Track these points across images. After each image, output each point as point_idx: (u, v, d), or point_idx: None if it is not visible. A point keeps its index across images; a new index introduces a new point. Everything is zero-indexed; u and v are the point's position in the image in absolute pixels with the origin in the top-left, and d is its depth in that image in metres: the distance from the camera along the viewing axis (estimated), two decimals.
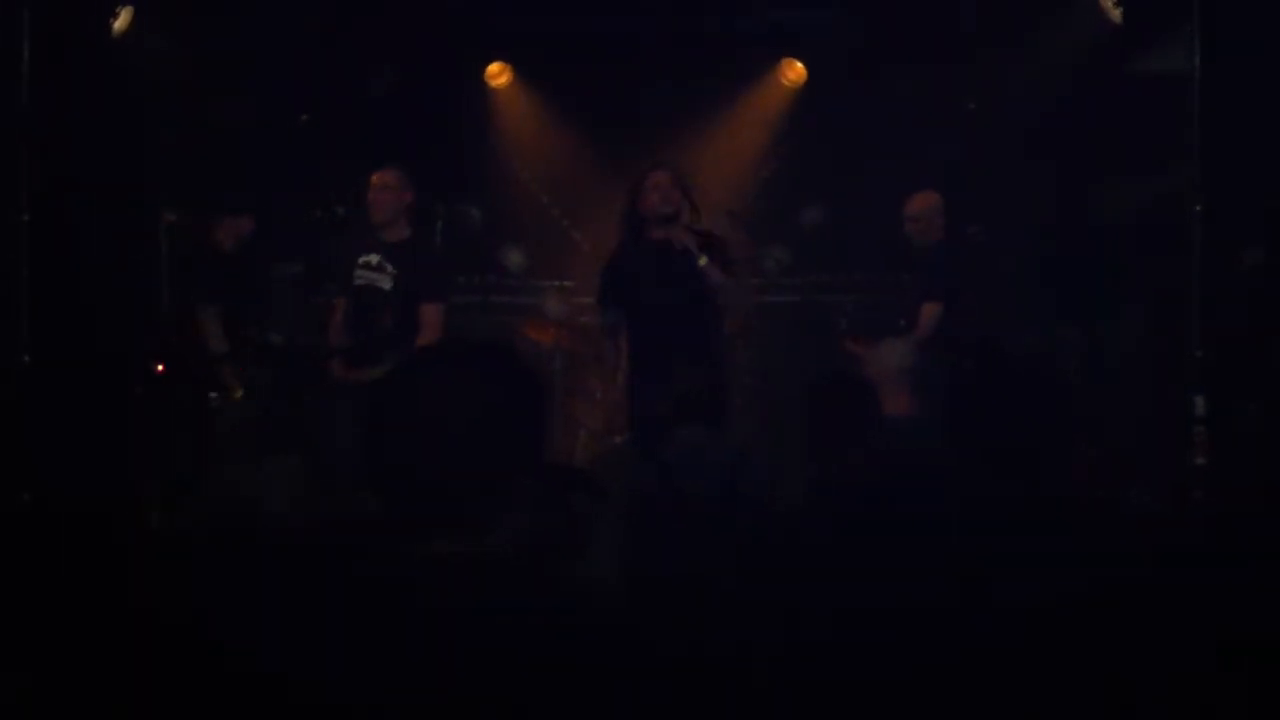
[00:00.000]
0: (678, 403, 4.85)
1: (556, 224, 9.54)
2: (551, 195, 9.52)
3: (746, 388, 8.00)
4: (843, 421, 4.33)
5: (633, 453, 6.31)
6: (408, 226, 6.91)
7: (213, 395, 6.95)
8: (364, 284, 6.81)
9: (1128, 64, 7.58)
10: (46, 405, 6.21)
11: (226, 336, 7.13)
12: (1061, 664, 2.52)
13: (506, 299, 9.31)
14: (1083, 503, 3.08)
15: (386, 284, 6.82)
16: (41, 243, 6.26)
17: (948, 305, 6.91)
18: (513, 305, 9.26)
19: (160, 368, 7.55)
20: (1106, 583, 2.70)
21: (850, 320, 7.83)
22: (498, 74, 9.26)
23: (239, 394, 6.91)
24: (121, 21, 7.40)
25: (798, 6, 8.77)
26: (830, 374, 5.38)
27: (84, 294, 6.83)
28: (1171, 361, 6.44)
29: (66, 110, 6.75)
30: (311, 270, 7.12)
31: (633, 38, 8.84)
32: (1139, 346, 7.14)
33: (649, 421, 5.99)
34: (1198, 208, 6.10)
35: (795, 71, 9.24)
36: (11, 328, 6.14)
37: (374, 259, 6.83)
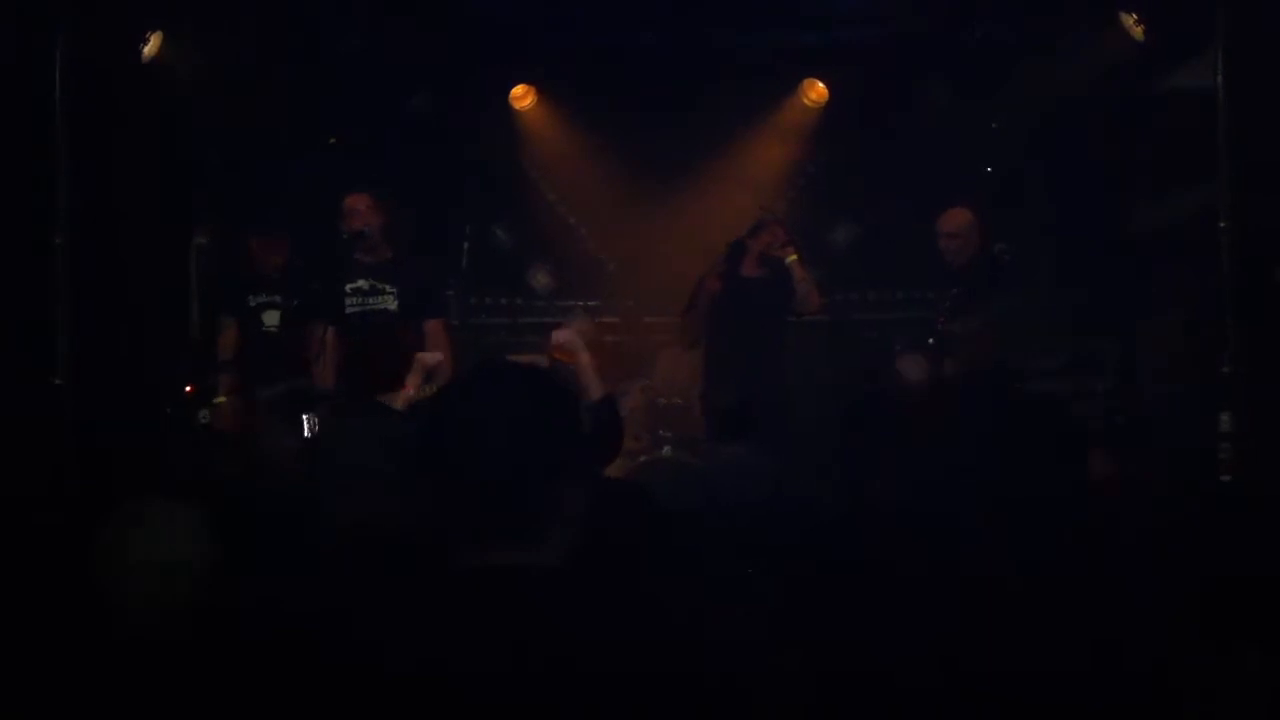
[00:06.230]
0: (723, 418, 4.92)
1: (583, 244, 9.58)
2: (578, 216, 9.55)
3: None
4: (877, 440, 4.31)
5: (667, 467, 6.49)
6: (389, 246, 6.89)
7: (202, 412, 7.15)
8: (360, 310, 6.75)
9: (1155, 81, 7.55)
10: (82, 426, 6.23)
11: (236, 346, 7.32)
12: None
13: (533, 320, 9.33)
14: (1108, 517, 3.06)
15: (391, 304, 6.77)
16: (77, 265, 6.29)
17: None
18: (540, 326, 9.27)
19: (190, 389, 7.59)
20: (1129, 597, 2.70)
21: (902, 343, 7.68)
22: (523, 96, 9.29)
23: (221, 400, 7.18)
24: (152, 47, 7.45)
25: (826, 25, 8.79)
26: (864, 392, 5.36)
27: (118, 315, 6.85)
28: (1203, 377, 6.41)
29: (100, 136, 6.79)
30: (306, 301, 7.01)
31: (657, 59, 8.87)
32: (1171, 360, 7.09)
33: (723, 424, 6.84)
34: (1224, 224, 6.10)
35: (817, 91, 9.27)
36: (47, 350, 6.17)
37: (363, 284, 6.76)
